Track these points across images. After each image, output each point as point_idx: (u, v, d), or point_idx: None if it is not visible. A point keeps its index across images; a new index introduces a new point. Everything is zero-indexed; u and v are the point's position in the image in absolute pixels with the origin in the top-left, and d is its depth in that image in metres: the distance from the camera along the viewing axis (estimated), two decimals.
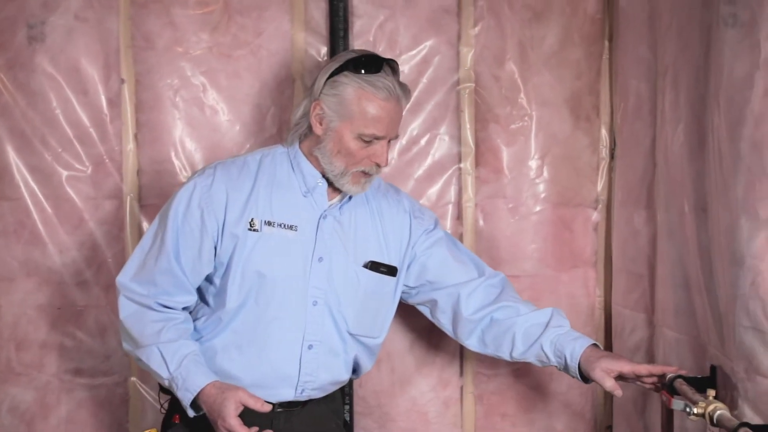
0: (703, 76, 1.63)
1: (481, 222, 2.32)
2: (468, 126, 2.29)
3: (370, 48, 2.25)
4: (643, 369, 1.71)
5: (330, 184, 1.77)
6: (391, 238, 1.87)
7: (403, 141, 2.28)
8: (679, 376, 1.68)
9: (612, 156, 2.33)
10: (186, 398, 1.62)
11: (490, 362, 2.32)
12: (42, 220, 2.19)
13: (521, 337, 1.81)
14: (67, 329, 2.19)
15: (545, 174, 2.31)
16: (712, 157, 1.59)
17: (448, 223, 2.31)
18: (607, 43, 2.32)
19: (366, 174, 1.75)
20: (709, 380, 1.67)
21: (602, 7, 2.31)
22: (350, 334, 1.81)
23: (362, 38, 2.25)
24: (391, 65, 1.74)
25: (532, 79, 2.29)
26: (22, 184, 2.17)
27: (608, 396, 2.36)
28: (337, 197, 1.80)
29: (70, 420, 2.21)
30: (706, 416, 1.50)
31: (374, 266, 1.82)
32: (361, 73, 1.69)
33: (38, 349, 2.20)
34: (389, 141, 1.75)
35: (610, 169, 2.34)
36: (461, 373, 2.33)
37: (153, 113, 2.21)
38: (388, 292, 1.88)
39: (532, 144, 2.31)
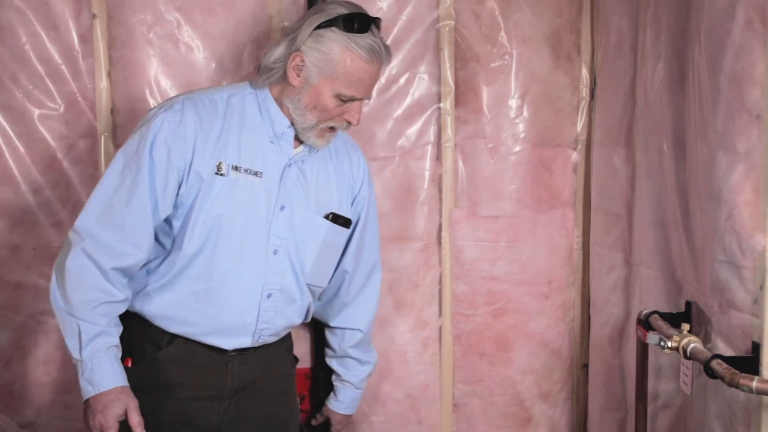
0: (684, 9, 1.61)
1: (460, 162, 2.31)
2: (448, 65, 2.26)
3: None
4: None
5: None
6: (345, 191, 1.87)
7: (382, 80, 2.24)
8: (655, 312, 1.70)
9: (592, 95, 2.31)
10: (86, 390, 1.59)
11: (468, 303, 2.33)
12: (14, 160, 2.15)
13: (340, 367, 2.06)
14: (42, 270, 2.17)
15: (525, 114, 2.30)
16: (692, 93, 1.58)
17: (427, 163, 2.29)
18: None
19: (333, 129, 1.74)
20: (683, 316, 1.69)
21: None
22: (306, 283, 1.81)
23: None
24: (378, 24, 1.72)
25: (512, 17, 2.25)
26: None
27: (585, 334, 2.39)
28: (301, 146, 1.78)
29: (47, 360, 2.20)
30: (680, 350, 1.52)
31: (334, 218, 1.82)
32: (349, 32, 1.65)
33: (13, 290, 2.18)
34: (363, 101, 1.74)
35: (590, 109, 2.33)
36: (440, 314, 2.34)
37: (126, 50, 2.15)
38: (341, 243, 1.89)
39: (513, 83, 2.28)
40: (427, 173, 2.30)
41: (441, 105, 2.28)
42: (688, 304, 1.68)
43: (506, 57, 2.27)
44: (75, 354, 1.59)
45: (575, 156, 2.35)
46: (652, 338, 1.62)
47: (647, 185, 1.88)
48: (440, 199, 2.31)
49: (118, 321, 1.67)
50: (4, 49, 2.10)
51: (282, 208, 1.73)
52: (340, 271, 1.94)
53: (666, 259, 1.80)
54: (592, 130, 2.30)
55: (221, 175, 1.66)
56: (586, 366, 2.39)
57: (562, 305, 2.38)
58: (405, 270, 2.31)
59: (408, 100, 2.28)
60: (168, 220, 1.68)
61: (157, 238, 1.69)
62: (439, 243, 2.32)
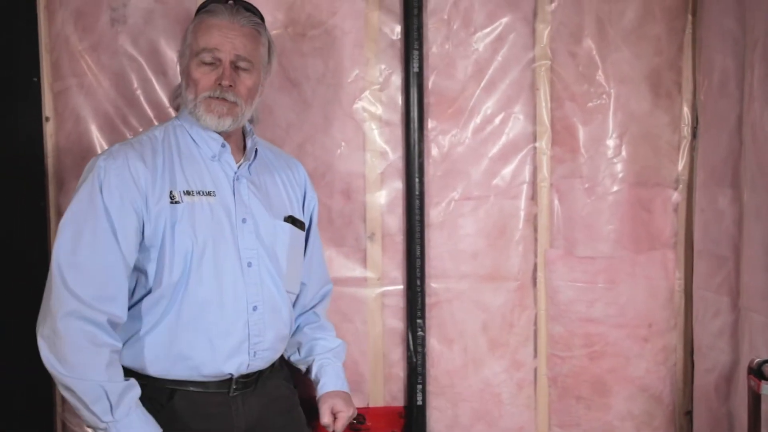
0: None
1: (556, 202, 2.28)
2: (543, 104, 2.25)
3: (443, 27, 2.23)
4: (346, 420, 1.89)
5: (230, 142, 1.76)
6: (294, 196, 1.89)
7: (477, 120, 2.26)
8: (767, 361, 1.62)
9: (694, 134, 2.26)
10: None
11: (564, 344, 2.29)
12: None
13: (305, 350, 1.97)
14: None
15: (623, 153, 2.26)
16: None
17: (522, 203, 2.28)
18: (690, 16, 2.25)
19: (218, 99, 1.68)
20: None
21: None
22: (285, 290, 1.80)
23: (436, 16, 2.23)
24: (238, 1, 1.74)
25: (610, 56, 2.24)
26: None
27: (688, 380, 2.30)
28: (243, 157, 1.79)
29: None
30: None
31: (293, 220, 1.83)
32: (202, 12, 1.72)
33: None
34: (236, 66, 1.70)
35: (692, 148, 2.27)
36: (535, 355, 2.30)
37: None
38: (302, 246, 1.90)
39: (610, 122, 2.26)
40: (522, 213, 2.29)
41: (536, 144, 2.27)
42: None
43: (604, 96, 2.25)
44: (105, 417, 1.52)
45: (676, 196, 2.29)
46: (766, 389, 1.55)
47: (757, 227, 1.82)
48: (535, 239, 2.29)
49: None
50: (117, 94, 2.20)
51: (244, 220, 1.73)
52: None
53: None
54: (694, 169, 2.24)
55: (177, 202, 1.65)
56: (689, 413, 2.30)
57: (663, 349, 2.30)
58: (499, 310, 2.29)
59: (503, 139, 2.28)
60: (140, 268, 1.65)
61: (135, 286, 1.67)
62: (534, 283, 2.30)
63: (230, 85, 1.68)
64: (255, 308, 1.72)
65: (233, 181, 1.74)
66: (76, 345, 1.52)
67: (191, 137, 1.74)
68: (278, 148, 1.97)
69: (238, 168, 1.76)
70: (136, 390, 1.58)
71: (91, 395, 1.52)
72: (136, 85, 2.20)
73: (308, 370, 1.97)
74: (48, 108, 2.20)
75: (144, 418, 1.56)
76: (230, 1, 1.73)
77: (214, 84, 1.68)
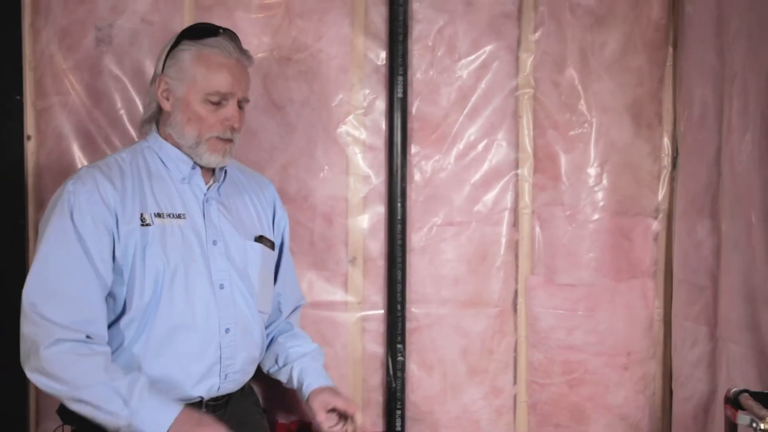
0: None
1: (537, 229, 2.29)
2: (526, 132, 2.27)
3: (428, 53, 2.25)
4: (351, 408, 1.83)
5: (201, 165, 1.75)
6: (263, 216, 1.89)
7: (460, 146, 2.27)
8: (745, 391, 1.63)
9: (674, 165, 2.28)
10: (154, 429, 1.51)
11: (544, 372, 2.29)
12: None
13: (282, 358, 1.94)
14: None
15: (604, 182, 2.28)
16: None
17: (504, 229, 2.29)
18: (671, 49, 2.28)
19: (223, 140, 1.71)
20: None
21: (666, 13, 2.27)
22: (258, 310, 1.79)
23: (421, 42, 2.25)
24: (229, 34, 1.74)
25: (592, 86, 2.26)
26: None
27: (666, 409, 2.31)
28: (212, 179, 1.78)
29: None
30: None
31: (263, 240, 1.83)
32: (196, 39, 1.70)
33: None
34: (240, 104, 1.73)
35: (672, 178, 2.29)
36: (514, 382, 2.30)
37: None
38: (273, 266, 1.90)
39: (592, 151, 2.28)
40: (503, 239, 2.30)
41: (519, 171, 2.28)
42: None
43: (585, 125, 2.27)
44: (123, 411, 1.50)
45: (656, 225, 2.31)
46: (742, 419, 1.54)
47: (735, 257, 1.83)
48: (516, 266, 2.30)
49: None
50: (100, 114, 2.20)
51: (214, 242, 1.72)
52: (274, 302, 1.95)
53: (756, 335, 1.73)
54: (674, 199, 2.26)
55: (147, 225, 1.64)
56: None
57: (642, 378, 2.31)
58: (479, 336, 2.29)
59: (485, 166, 2.29)
60: (111, 294, 1.64)
61: (108, 309, 1.65)
62: (515, 310, 2.30)
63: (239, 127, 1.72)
64: (227, 330, 1.71)
65: (203, 203, 1.74)
66: (68, 362, 1.52)
67: (160, 159, 1.74)
68: (248, 168, 1.97)
69: (208, 190, 1.76)
70: (143, 378, 1.56)
71: (102, 397, 1.50)
72: (119, 104, 2.20)
73: (289, 379, 1.93)
74: (30, 126, 2.19)
75: (160, 398, 1.55)
76: (222, 32, 1.72)
77: (222, 126, 1.70)
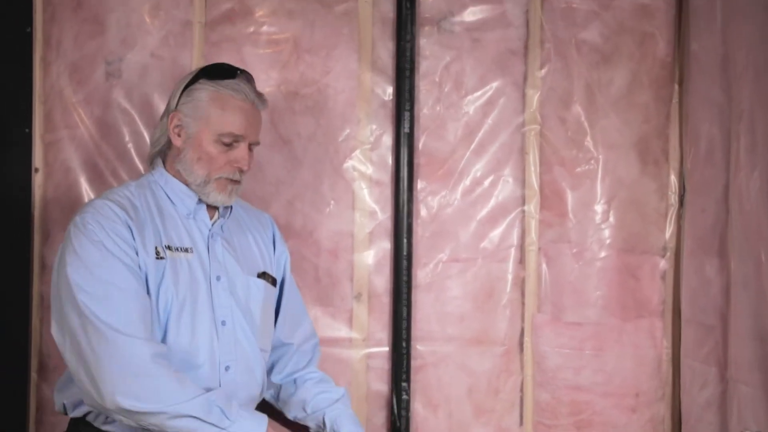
0: None
1: (544, 266, 2.28)
2: (533, 168, 2.26)
3: (435, 89, 2.26)
4: None
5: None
6: (265, 252, 1.87)
7: (466, 182, 2.27)
8: None
9: (681, 202, 2.27)
10: None
11: (551, 412, 2.25)
12: None
13: (311, 405, 1.87)
14: None
15: (611, 219, 2.26)
16: None
17: (510, 266, 2.27)
18: (677, 86, 2.29)
19: (231, 181, 1.71)
20: None
21: (672, 51, 2.28)
22: (259, 348, 1.76)
23: (428, 78, 2.26)
24: (246, 76, 1.75)
25: (599, 122, 2.26)
26: None
27: None
28: (216, 215, 1.78)
29: None
30: None
31: (265, 276, 1.81)
32: (214, 79, 1.70)
33: None
34: (250, 146, 1.73)
35: (679, 216, 2.28)
36: (521, 422, 2.26)
37: None
38: (274, 302, 1.88)
39: (598, 188, 2.27)
40: (509, 276, 2.28)
41: (525, 208, 2.27)
42: None
43: (592, 162, 2.26)
44: (223, 423, 1.50)
45: (663, 264, 2.28)
46: None
47: (744, 296, 1.80)
48: (523, 303, 2.28)
49: None
50: (108, 147, 2.21)
51: (218, 278, 1.71)
52: (283, 345, 1.91)
53: (767, 376, 1.70)
54: (682, 237, 2.24)
55: (161, 258, 1.64)
56: None
57: (651, 420, 2.26)
58: (485, 375, 2.26)
59: (492, 202, 2.28)
60: None
61: None
62: (521, 348, 2.27)
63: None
64: (227, 368, 1.68)
65: (208, 238, 1.74)
66: (165, 377, 1.50)
67: (166, 194, 1.74)
68: (249, 205, 1.97)
69: (213, 225, 1.76)
70: (224, 391, 1.58)
71: (202, 409, 1.50)
72: (127, 137, 2.21)
73: (320, 426, 1.87)
74: (38, 159, 2.20)
75: (251, 411, 1.59)
76: (240, 73, 1.73)
77: (232, 167, 1.70)
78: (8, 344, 1.74)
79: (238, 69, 1.74)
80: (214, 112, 1.68)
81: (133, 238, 1.61)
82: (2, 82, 2.17)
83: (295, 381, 1.93)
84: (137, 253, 1.60)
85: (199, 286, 1.68)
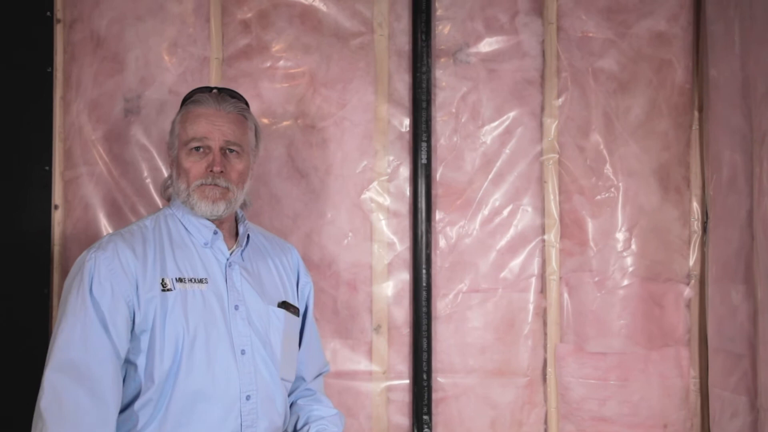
0: None
1: (565, 296, 2.25)
2: (552, 197, 2.25)
3: (452, 119, 2.26)
4: None
5: (223, 228, 1.75)
6: (287, 281, 1.85)
7: (485, 211, 2.26)
8: None
9: (704, 229, 2.24)
10: None
11: None
12: None
13: (302, 420, 1.86)
14: None
15: (633, 247, 2.24)
16: None
17: (531, 296, 2.24)
18: (696, 113, 2.27)
19: (209, 186, 1.69)
20: None
21: (691, 78, 2.27)
22: (281, 378, 1.74)
23: (445, 109, 2.26)
24: (222, 90, 1.76)
25: (618, 150, 2.25)
26: None
27: None
28: (236, 244, 1.77)
29: None
30: None
31: (286, 306, 1.79)
32: (188, 101, 1.74)
33: None
34: (225, 151, 1.70)
35: (703, 243, 2.24)
36: None
37: None
38: (297, 332, 1.86)
39: (619, 216, 2.24)
40: (531, 306, 2.25)
41: (545, 237, 2.25)
42: None
43: (612, 190, 2.24)
44: None
45: (688, 291, 2.25)
46: None
47: None
48: (545, 333, 2.25)
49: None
50: (127, 183, 2.22)
51: (236, 307, 1.70)
52: (297, 379, 1.89)
53: None
54: (706, 264, 2.21)
55: (169, 290, 1.63)
56: None
57: None
58: (508, 407, 2.22)
59: (511, 231, 2.27)
60: (130, 360, 1.62)
61: (125, 379, 1.63)
62: (544, 379, 2.23)
63: (221, 171, 1.69)
64: (248, 397, 1.67)
65: (225, 268, 1.73)
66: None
67: (183, 225, 1.74)
68: (271, 234, 1.96)
69: (231, 254, 1.75)
70: None
71: None
72: (146, 173, 2.22)
73: None
74: (58, 196, 2.22)
75: None
76: (214, 90, 1.76)
77: (205, 172, 1.69)
78: (29, 381, 1.74)
79: (215, 88, 1.77)
80: (181, 127, 1.72)
81: (132, 279, 1.61)
82: (23, 121, 2.20)
83: (293, 400, 1.91)
84: (137, 292, 1.61)
85: (214, 316, 1.67)
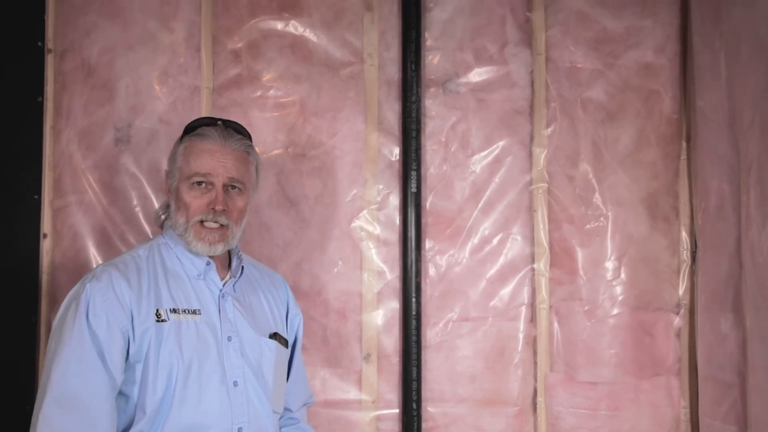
0: None
1: (555, 325, 2.24)
2: (541, 226, 2.25)
3: (441, 149, 2.27)
4: None
5: (216, 259, 1.74)
6: (278, 313, 1.85)
7: (475, 240, 2.26)
8: None
9: (693, 258, 2.24)
10: None
11: None
12: None
13: None
14: None
15: (623, 276, 2.24)
16: None
17: (521, 325, 2.24)
18: (684, 143, 2.29)
19: (207, 227, 1.68)
20: None
21: (678, 108, 2.29)
22: (272, 410, 1.73)
23: (434, 138, 2.28)
24: (227, 123, 1.75)
25: (607, 179, 2.26)
26: None
27: None
28: (228, 275, 1.77)
29: None
30: None
31: (277, 337, 1.79)
32: (189, 133, 1.73)
33: None
34: (227, 188, 1.70)
35: (692, 272, 2.25)
36: None
37: None
38: (287, 363, 1.85)
39: (608, 245, 2.25)
40: (521, 335, 2.24)
41: (535, 266, 2.25)
42: None
43: (601, 219, 2.25)
44: None
45: (678, 320, 2.25)
46: None
47: (762, 351, 1.77)
48: (535, 362, 2.24)
49: None
50: (116, 211, 2.22)
51: (229, 338, 1.69)
52: (284, 410, 1.87)
53: None
54: (696, 293, 2.21)
55: (163, 321, 1.63)
56: None
57: None
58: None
59: (501, 260, 2.27)
60: (122, 391, 1.61)
61: (119, 412, 1.61)
62: (535, 409, 2.22)
63: (223, 210, 1.68)
64: (240, 429, 1.65)
65: (219, 299, 1.72)
66: None
67: (176, 256, 1.73)
68: (262, 264, 1.96)
69: (224, 286, 1.74)
70: None
71: None
72: (135, 202, 2.22)
73: None
74: (46, 225, 2.21)
75: None
76: (219, 123, 1.75)
77: (206, 208, 1.68)
78: (16, 410, 1.72)
79: (219, 120, 1.76)
80: (184, 160, 1.70)
81: (127, 310, 1.60)
82: (13, 150, 2.20)
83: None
84: (132, 323, 1.60)
85: (208, 347, 1.66)
